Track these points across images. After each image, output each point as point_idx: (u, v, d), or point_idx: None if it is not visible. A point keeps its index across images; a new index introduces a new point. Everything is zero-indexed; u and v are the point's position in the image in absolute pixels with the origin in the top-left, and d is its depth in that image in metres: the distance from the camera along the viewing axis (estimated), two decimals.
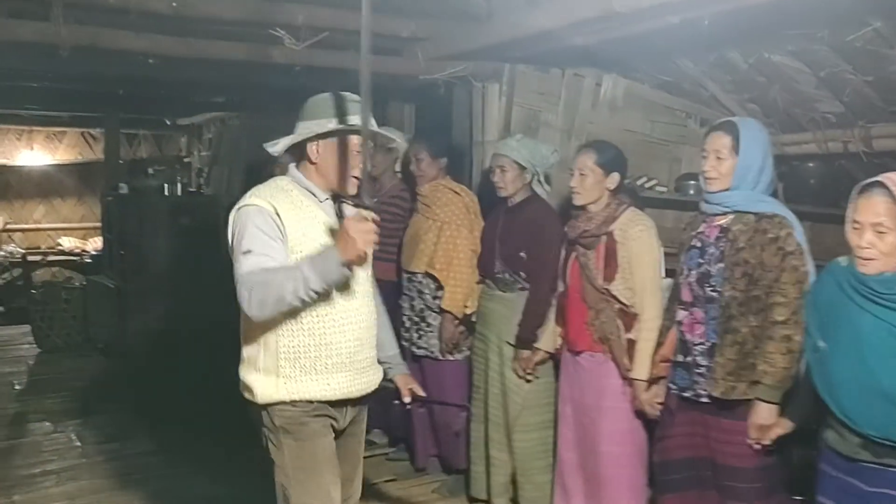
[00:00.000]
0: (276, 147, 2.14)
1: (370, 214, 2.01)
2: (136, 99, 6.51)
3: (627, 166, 3.00)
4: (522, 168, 3.24)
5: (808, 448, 2.30)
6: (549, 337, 3.08)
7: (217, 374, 4.82)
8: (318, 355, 2.11)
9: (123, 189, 6.11)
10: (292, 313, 2.06)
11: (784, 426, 2.28)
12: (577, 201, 2.87)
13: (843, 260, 2.05)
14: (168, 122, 8.77)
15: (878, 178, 1.95)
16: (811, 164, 4.10)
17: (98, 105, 6.82)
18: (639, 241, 2.77)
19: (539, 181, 3.33)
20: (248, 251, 2.01)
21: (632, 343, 2.78)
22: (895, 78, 3.14)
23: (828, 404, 2.00)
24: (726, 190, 2.44)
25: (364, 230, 1.94)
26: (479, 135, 4.11)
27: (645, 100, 4.17)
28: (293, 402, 2.11)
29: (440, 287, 3.52)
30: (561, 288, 3.00)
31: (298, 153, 2.16)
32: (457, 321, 3.52)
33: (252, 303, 1.98)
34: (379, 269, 3.89)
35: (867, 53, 3.07)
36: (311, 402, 2.12)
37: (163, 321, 5.60)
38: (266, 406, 2.13)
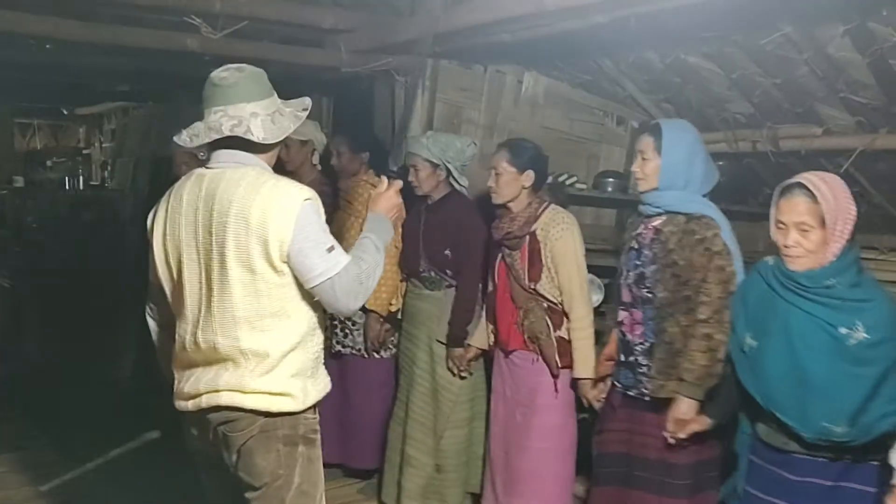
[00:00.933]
0: (262, 134, 1.91)
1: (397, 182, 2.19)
2: (30, 86, 6.15)
3: (547, 163, 3.02)
4: (435, 165, 3.22)
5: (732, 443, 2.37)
6: (481, 334, 3.09)
7: (123, 378, 4.68)
8: (321, 352, 2.04)
9: (19, 182, 5.74)
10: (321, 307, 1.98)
11: (702, 423, 2.35)
12: (495, 200, 2.89)
13: (770, 259, 2.14)
14: (65, 112, 8.33)
15: (798, 178, 2.04)
16: (721, 163, 4.21)
17: None
18: (561, 240, 2.80)
19: (454, 177, 3.30)
20: (332, 247, 1.91)
21: (562, 341, 2.81)
22: (802, 81, 3.28)
23: (758, 401, 2.07)
24: (656, 190, 2.49)
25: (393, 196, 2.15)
26: (403, 130, 4.06)
27: (564, 98, 4.22)
28: (314, 407, 2.01)
29: None
30: (490, 287, 3.01)
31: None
32: (382, 319, 3.47)
33: (361, 295, 1.93)
34: None
35: (777, 58, 3.20)
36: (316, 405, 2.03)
37: (63, 322, 5.30)
38: (300, 413, 1.95)
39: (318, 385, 2.01)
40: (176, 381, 2.04)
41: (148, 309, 2.20)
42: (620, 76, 3.99)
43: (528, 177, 2.85)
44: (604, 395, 2.69)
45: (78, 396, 4.65)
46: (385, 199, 2.14)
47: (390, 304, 3.47)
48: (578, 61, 4.01)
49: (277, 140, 1.94)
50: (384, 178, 2.19)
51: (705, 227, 2.41)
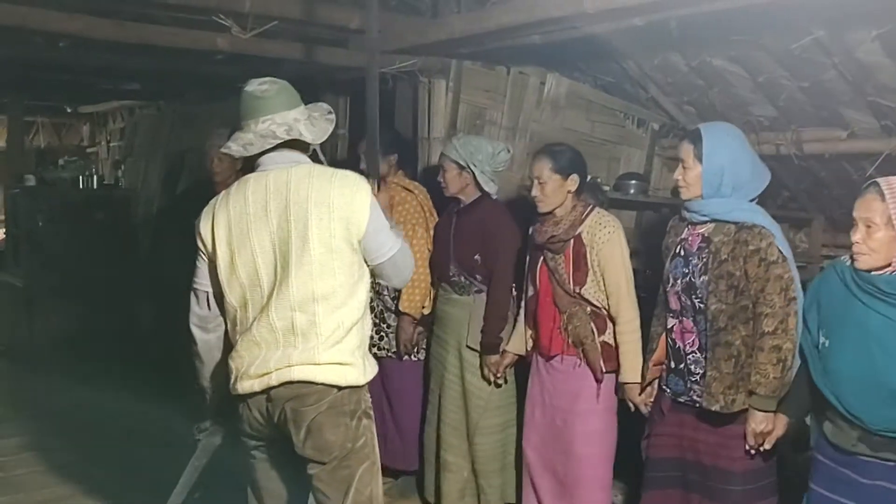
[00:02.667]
0: (313, 135, 2.18)
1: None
2: (35, 83, 6.11)
3: (586, 165, 3.01)
4: (462, 167, 3.22)
5: (800, 453, 2.37)
6: (518, 339, 3.06)
7: (132, 377, 4.64)
8: (370, 332, 2.26)
9: (31, 181, 5.70)
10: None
11: (781, 425, 2.32)
12: (542, 209, 2.85)
13: (846, 259, 2.14)
14: (69, 110, 8.27)
15: (877, 179, 2.08)
16: None
17: None
18: (608, 243, 2.77)
19: (479, 181, 3.26)
20: (392, 226, 2.20)
21: (605, 346, 2.79)
22: (829, 85, 3.30)
23: (829, 399, 2.07)
24: (700, 198, 2.45)
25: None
26: (425, 131, 4.06)
27: (586, 99, 4.23)
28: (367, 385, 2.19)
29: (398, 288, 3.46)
30: (531, 292, 2.97)
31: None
32: (415, 322, 3.46)
33: (411, 269, 2.27)
34: None
35: (804, 61, 3.21)
36: None
37: (74, 322, 5.26)
38: (362, 387, 2.15)
39: (372, 363, 2.20)
40: (235, 371, 2.13)
41: (198, 320, 2.25)
42: (643, 78, 4.00)
43: (573, 181, 2.84)
44: (651, 400, 2.68)
45: (90, 398, 4.61)
46: (380, 199, 2.29)
47: (423, 307, 3.46)
48: (602, 63, 4.02)
49: (322, 140, 2.19)
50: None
51: (758, 237, 2.35)
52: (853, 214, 2.07)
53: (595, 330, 2.80)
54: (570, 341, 2.83)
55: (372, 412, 2.20)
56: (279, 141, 2.09)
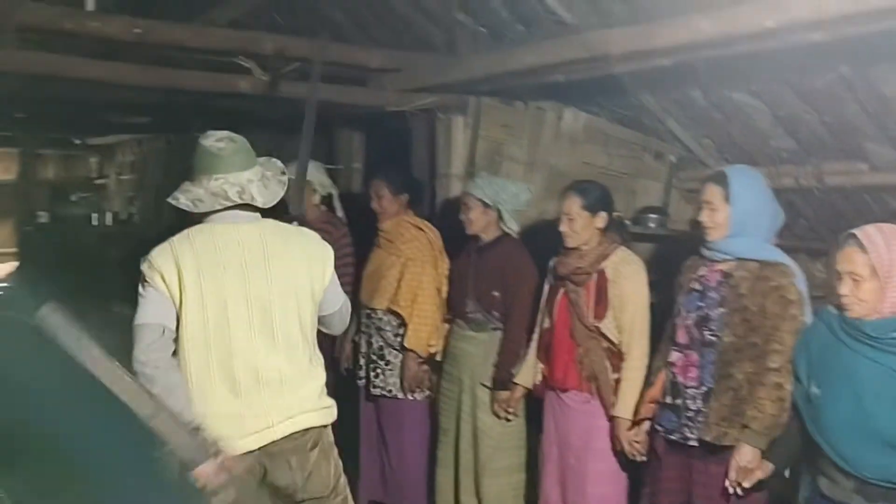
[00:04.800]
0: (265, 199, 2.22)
1: None
2: (49, 117, 6.13)
3: (613, 202, 3.02)
4: (487, 206, 3.22)
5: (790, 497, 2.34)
6: (528, 371, 3.07)
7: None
8: None
9: (43, 217, 5.68)
10: None
11: (765, 470, 2.33)
12: (569, 244, 2.89)
13: (833, 307, 2.15)
14: (77, 142, 8.29)
15: (854, 231, 2.12)
16: None
17: (8, 124, 6.37)
18: (631, 280, 2.81)
19: (504, 219, 3.29)
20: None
21: (619, 383, 2.79)
22: (850, 119, 3.30)
23: (823, 449, 2.07)
24: (725, 238, 2.48)
25: None
26: (444, 167, 4.06)
27: (603, 133, 4.23)
28: None
29: (402, 324, 3.44)
30: (546, 324, 2.99)
31: None
32: (420, 360, 3.44)
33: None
34: None
35: (827, 95, 3.22)
36: None
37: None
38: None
39: None
40: (215, 433, 2.01)
41: (152, 360, 2.09)
42: (661, 112, 4.00)
43: (602, 218, 2.88)
44: (638, 439, 2.67)
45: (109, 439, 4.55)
46: None
47: (429, 345, 3.45)
48: (619, 98, 4.02)
49: (272, 204, 2.21)
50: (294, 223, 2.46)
51: (781, 275, 2.40)
52: (836, 268, 2.12)
53: (609, 366, 2.81)
54: (584, 376, 2.83)
55: None
56: (230, 203, 2.12)
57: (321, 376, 2.26)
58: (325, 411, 2.24)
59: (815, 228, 4.24)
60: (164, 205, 6.36)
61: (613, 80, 3.46)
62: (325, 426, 2.24)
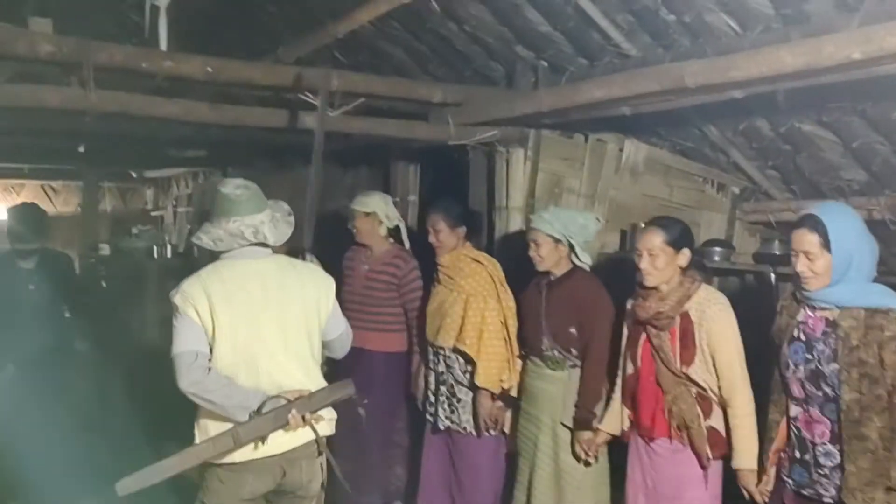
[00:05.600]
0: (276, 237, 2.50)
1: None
2: (111, 151, 6.28)
3: (694, 239, 2.91)
4: (557, 241, 3.16)
5: None
6: (613, 418, 2.96)
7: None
8: None
9: (104, 250, 5.79)
10: None
11: None
12: (649, 283, 2.74)
13: None
14: (134, 175, 8.49)
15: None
16: None
17: (70, 158, 6.55)
18: (718, 321, 2.65)
19: (576, 253, 3.22)
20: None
21: (712, 431, 2.67)
22: None
23: None
24: (826, 286, 2.31)
25: None
26: (503, 200, 4.05)
27: (664, 165, 4.19)
28: None
29: (470, 361, 3.39)
30: (630, 370, 2.87)
31: None
32: (493, 397, 3.38)
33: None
34: (372, 340, 3.77)
35: None
36: None
37: (150, 395, 5.24)
38: None
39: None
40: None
41: (198, 382, 2.32)
42: (725, 143, 3.94)
43: (685, 256, 2.74)
44: (768, 489, 2.54)
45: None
46: None
47: (501, 381, 3.38)
48: (681, 129, 3.97)
49: (282, 241, 2.51)
50: (308, 256, 2.83)
51: (894, 322, 2.22)
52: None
53: (701, 413, 2.68)
54: (674, 424, 2.71)
55: None
56: (247, 243, 2.43)
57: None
58: (332, 423, 2.54)
59: (886, 262, 4.11)
60: None
61: (676, 111, 3.42)
62: (328, 436, 2.52)
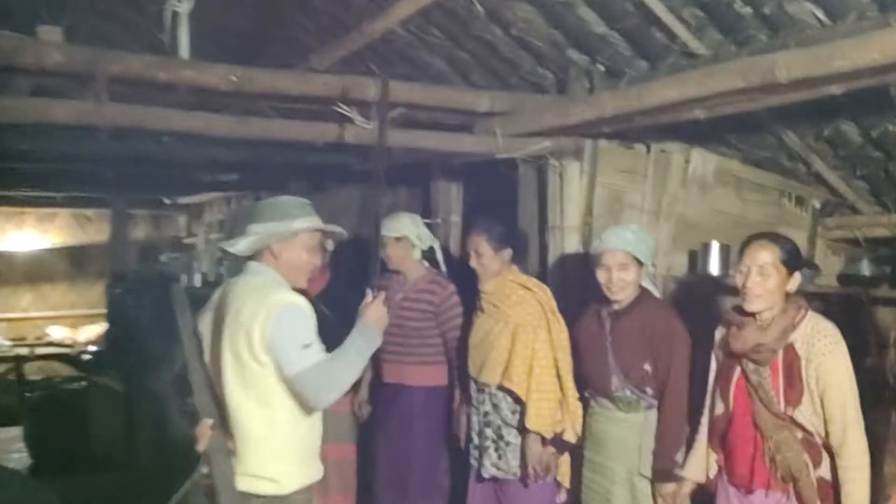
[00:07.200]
0: (238, 247, 2.34)
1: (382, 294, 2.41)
2: (141, 178, 6.12)
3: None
4: (641, 264, 2.80)
5: None
6: (698, 463, 2.57)
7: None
8: (312, 441, 2.45)
9: (129, 279, 5.56)
10: None
11: None
12: (755, 307, 2.36)
13: None
14: (167, 202, 8.32)
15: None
16: None
17: (99, 185, 6.38)
18: (829, 356, 2.27)
19: (649, 275, 2.91)
20: (309, 345, 2.20)
21: (822, 482, 2.28)
22: None
23: None
24: None
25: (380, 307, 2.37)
26: (557, 219, 3.67)
27: (735, 177, 3.79)
28: (308, 490, 2.45)
29: (518, 401, 3.02)
30: (720, 409, 2.49)
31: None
32: (545, 441, 3.00)
33: (332, 391, 2.21)
34: (411, 375, 3.50)
35: None
36: None
37: (178, 431, 4.97)
38: (287, 496, 2.33)
39: (307, 470, 2.34)
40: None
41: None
42: (805, 151, 3.53)
43: (796, 281, 2.38)
44: None
45: None
46: (372, 311, 2.34)
47: (555, 423, 3.00)
48: (755, 137, 3.58)
49: (247, 253, 2.35)
50: (368, 291, 2.39)
51: None
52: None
53: (810, 461, 2.29)
54: (778, 475, 2.32)
55: None
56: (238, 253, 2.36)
57: (261, 442, 2.27)
58: (253, 480, 2.27)
59: None
60: None
61: (749, 116, 3.06)
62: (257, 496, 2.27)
